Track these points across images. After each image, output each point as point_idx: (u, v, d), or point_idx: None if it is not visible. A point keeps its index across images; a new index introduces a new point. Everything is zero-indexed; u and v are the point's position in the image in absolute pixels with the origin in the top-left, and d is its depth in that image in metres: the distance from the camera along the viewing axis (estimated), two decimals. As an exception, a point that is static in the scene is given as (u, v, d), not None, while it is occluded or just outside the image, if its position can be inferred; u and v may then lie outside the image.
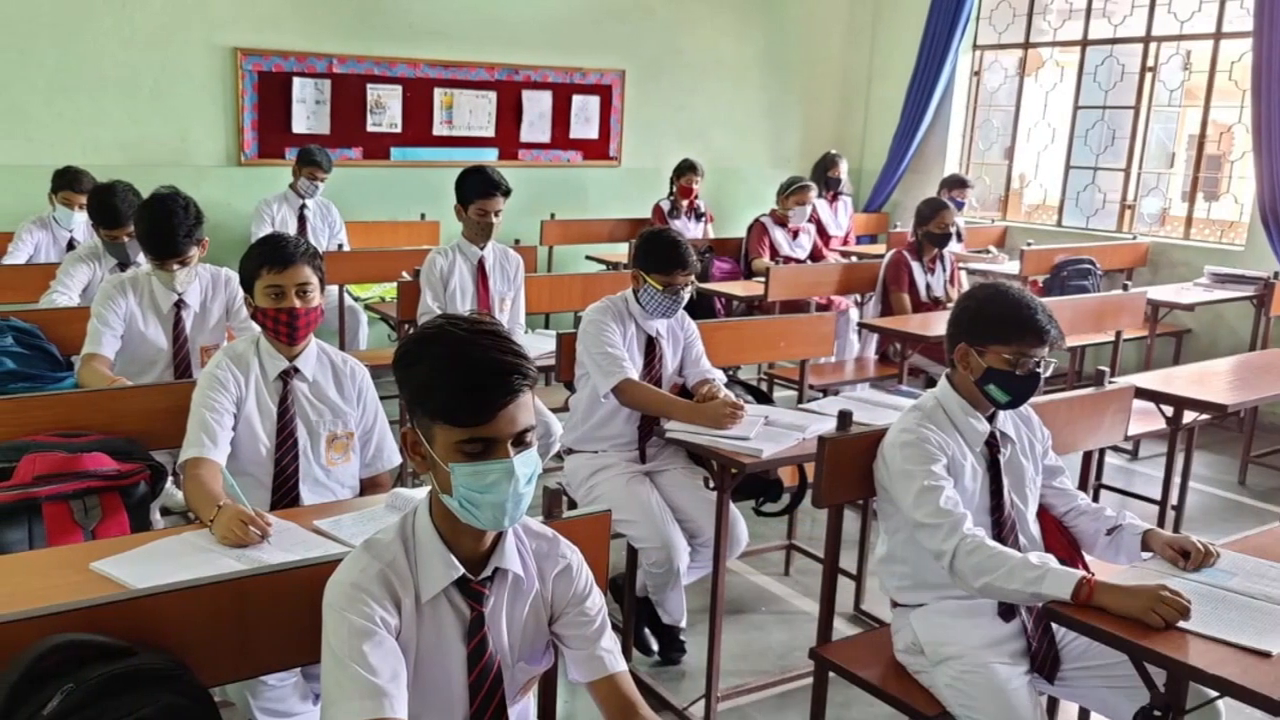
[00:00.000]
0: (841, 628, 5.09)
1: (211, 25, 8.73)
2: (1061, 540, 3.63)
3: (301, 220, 8.52)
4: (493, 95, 10.20)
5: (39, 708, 2.07)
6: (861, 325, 7.92)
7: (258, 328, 3.83)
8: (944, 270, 7.81)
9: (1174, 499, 5.80)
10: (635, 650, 4.94)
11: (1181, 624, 2.78)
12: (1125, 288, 7.86)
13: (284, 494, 3.77)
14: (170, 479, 3.91)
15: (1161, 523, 5.37)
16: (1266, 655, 2.67)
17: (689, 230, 9.68)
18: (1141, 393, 5.06)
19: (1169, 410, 5.32)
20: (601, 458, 4.87)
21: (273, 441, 3.78)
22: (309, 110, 9.29)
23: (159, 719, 2.16)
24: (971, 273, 9.24)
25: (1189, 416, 5.37)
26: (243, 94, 8.93)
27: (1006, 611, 3.44)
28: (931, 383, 4.60)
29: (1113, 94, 10.80)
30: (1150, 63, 10.28)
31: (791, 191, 8.90)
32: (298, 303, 3.71)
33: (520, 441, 2.29)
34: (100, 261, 5.82)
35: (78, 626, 2.24)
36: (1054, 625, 3.33)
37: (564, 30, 10.49)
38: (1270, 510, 7.09)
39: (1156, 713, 2.85)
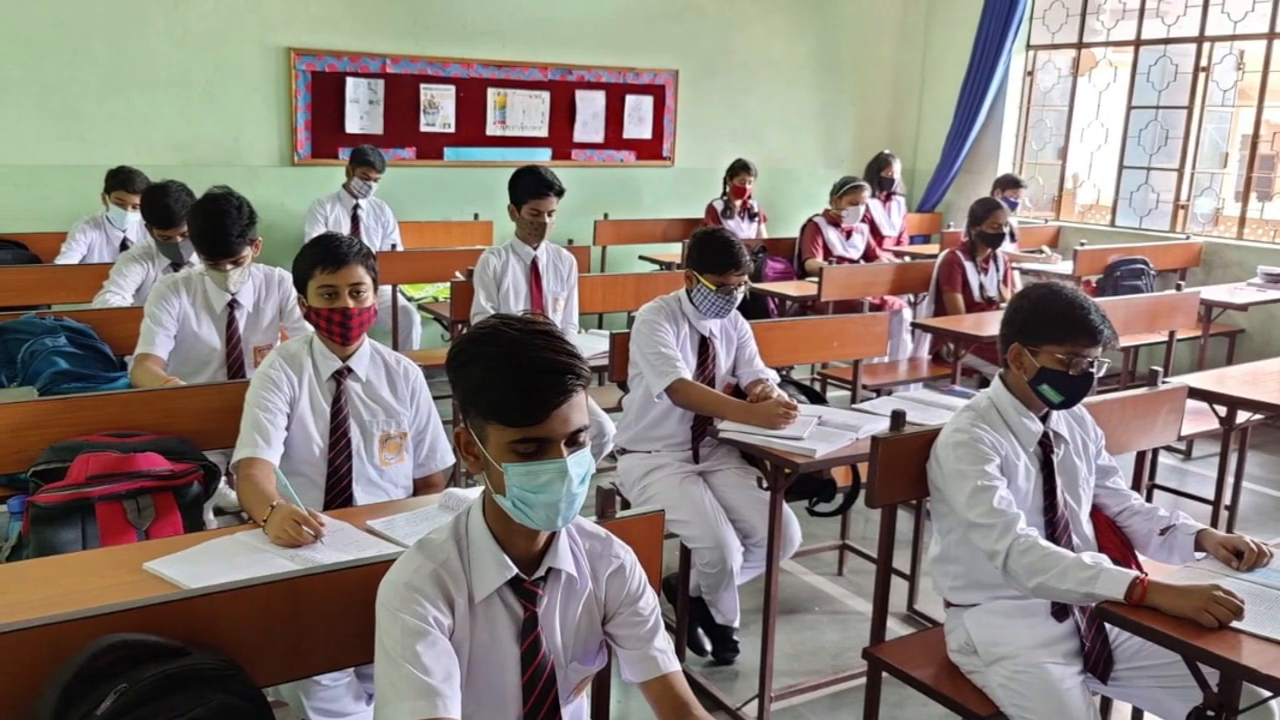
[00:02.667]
0: (895, 628, 5.08)
1: (264, 25, 8.79)
2: (1115, 540, 3.60)
3: (355, 220, 8.54)
4: (546, 95, 10.21)
5: (93, 707, 2.08)
6: (915, 325, 7.91)
7: (311, 328, 3.84)
8: (997, 270, 7.78)
9: (1227, 499, 5.77)
10: (689, 650, 4.95)
11: (1235, 624, 2.77)
12: (1178, 288, 7.79)
13: (337, 494, 3.78)
14: (224, 479, 3.93)
15: (1215, 523, 5.30)
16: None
17: (742, 230, 9.71)
18: (1195, 393, 5.01)
19: (1222, 410, 5.26)
20: (655, 458, 4.87)
21: (326, 441, 3.78)
22: (362, 110, 9.33)
23: (212, 719, 2.17)
24: (1025, 273, 9.18)
25: (1242, 416, 5.31)
26: (296, 94, 8.98)
27: (1060, 612, 3.43)
28: (985, 383, 4.57)
29: (1166, 94, 10.70)
30: (1204, 63, 10.20)
31: (845, 192, 8.88)
32: (351, 303, 3.71)
33: (574, 441, 2.29)
34: (153, 261, 5.85)
35: (131, 626, 2.25)
36: (1107, 625, 3.31)
37: (617, 30, 10.50)
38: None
39: (1210, 713, 2.84)
